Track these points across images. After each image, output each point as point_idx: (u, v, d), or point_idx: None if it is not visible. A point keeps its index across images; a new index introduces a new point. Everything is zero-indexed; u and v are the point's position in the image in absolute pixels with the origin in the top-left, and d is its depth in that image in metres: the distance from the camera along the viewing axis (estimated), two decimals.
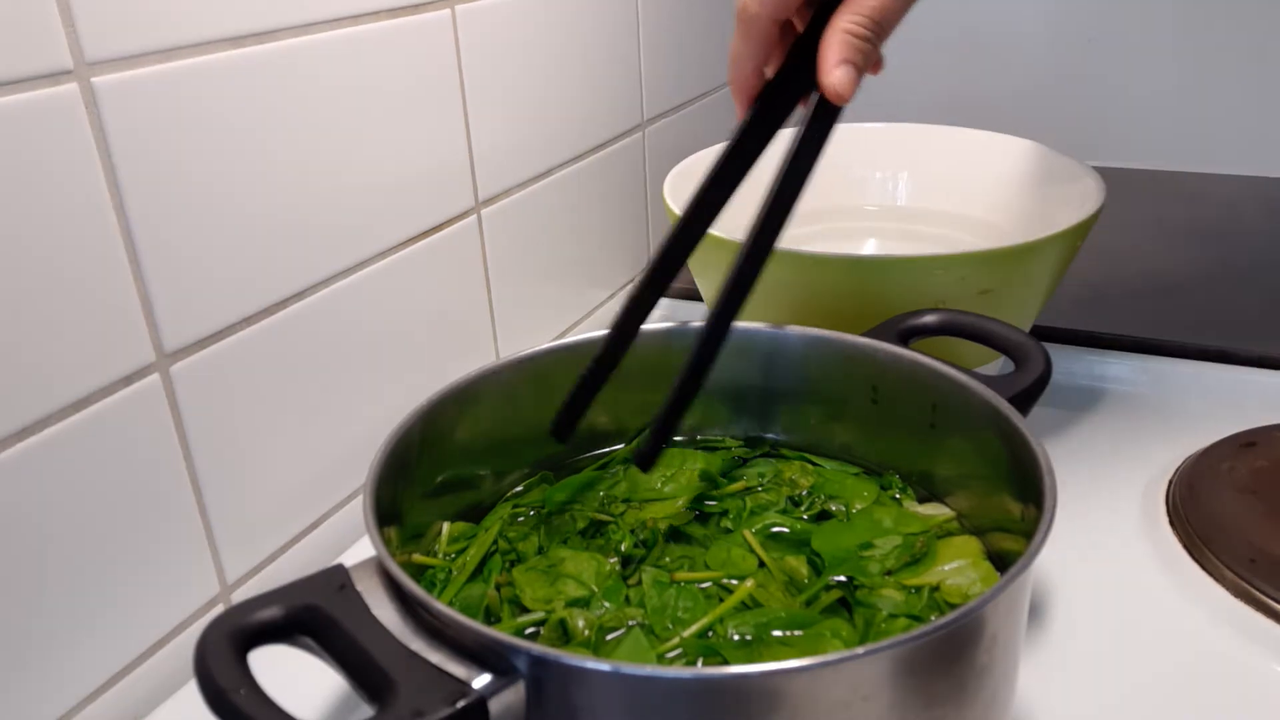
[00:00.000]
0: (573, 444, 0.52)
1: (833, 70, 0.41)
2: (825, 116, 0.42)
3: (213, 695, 0.31)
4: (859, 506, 0.48)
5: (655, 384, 0.52)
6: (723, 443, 0.54)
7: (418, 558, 0.45)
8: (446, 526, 0.47)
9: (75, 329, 0.43)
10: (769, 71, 0.44)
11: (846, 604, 0.42)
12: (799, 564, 0.44)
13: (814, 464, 0.52)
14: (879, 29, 0.42)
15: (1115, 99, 1.14)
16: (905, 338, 0.50)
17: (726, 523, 0.47)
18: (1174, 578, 0.52)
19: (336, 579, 0.35)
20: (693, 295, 0.85)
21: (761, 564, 0.44)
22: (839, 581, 0.43)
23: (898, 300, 0.55)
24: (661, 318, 0.86)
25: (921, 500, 0.49)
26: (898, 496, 0.49)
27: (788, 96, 0.43)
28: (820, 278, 0.59)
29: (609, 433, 0.53)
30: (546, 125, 0.72)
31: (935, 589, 0.43)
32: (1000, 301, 0.59)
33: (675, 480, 0.50)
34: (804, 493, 0.49)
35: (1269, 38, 1.07)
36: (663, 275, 0.45)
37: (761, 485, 0.50)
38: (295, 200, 0.52)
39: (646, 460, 0.45)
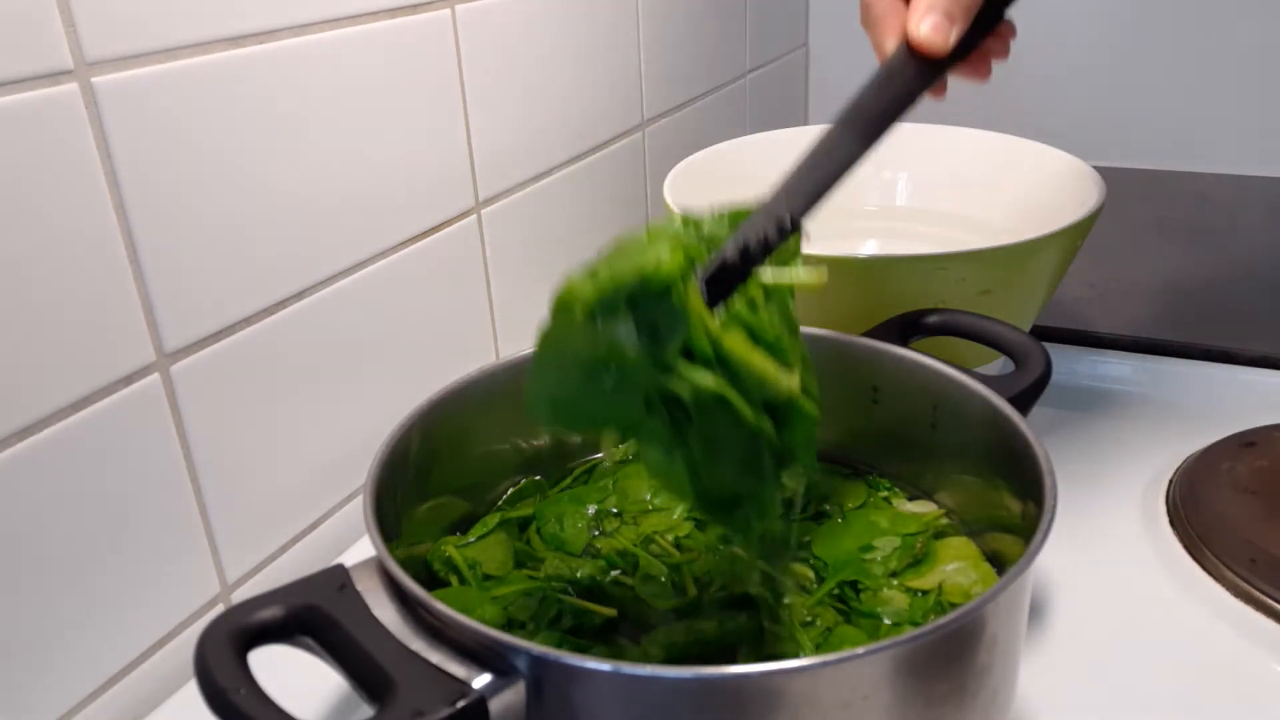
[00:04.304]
0: (570, 448, 0.52)
1: (919, 21, 0.41)
2: (921, 71, 0.42)
3: (213, 695, 0.31)
4: (851, 506, 0.48)
5: None
6: None
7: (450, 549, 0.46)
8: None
9: (75, 329, 0.43)
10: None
11: (847, 606, 0.43)
12: (803, 570, 0.44)
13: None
14: None
15: (1115, 99, 1.14)
16: (905, 338, 0.50)
17: (722, 530, 0.47)
18: (1174, 578, 0.52)
19: (336, 579, 0.36)
20: None
21: (766, 574, 0.44)
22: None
23: (898, 300, 0.55)
24: None
25: (911, 499, 0.49)
26: (886, 495, 0.49)
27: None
28: None
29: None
30: (546, 125, 0.72)
31: (939, 591, 0.43)
32: (1000, 301, 0.59)
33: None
34: (797, 494, 0.49)
35: (1269, 37, 1.07)
36: None
37: None
38: (295, 200, 0.52)
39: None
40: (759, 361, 0.35)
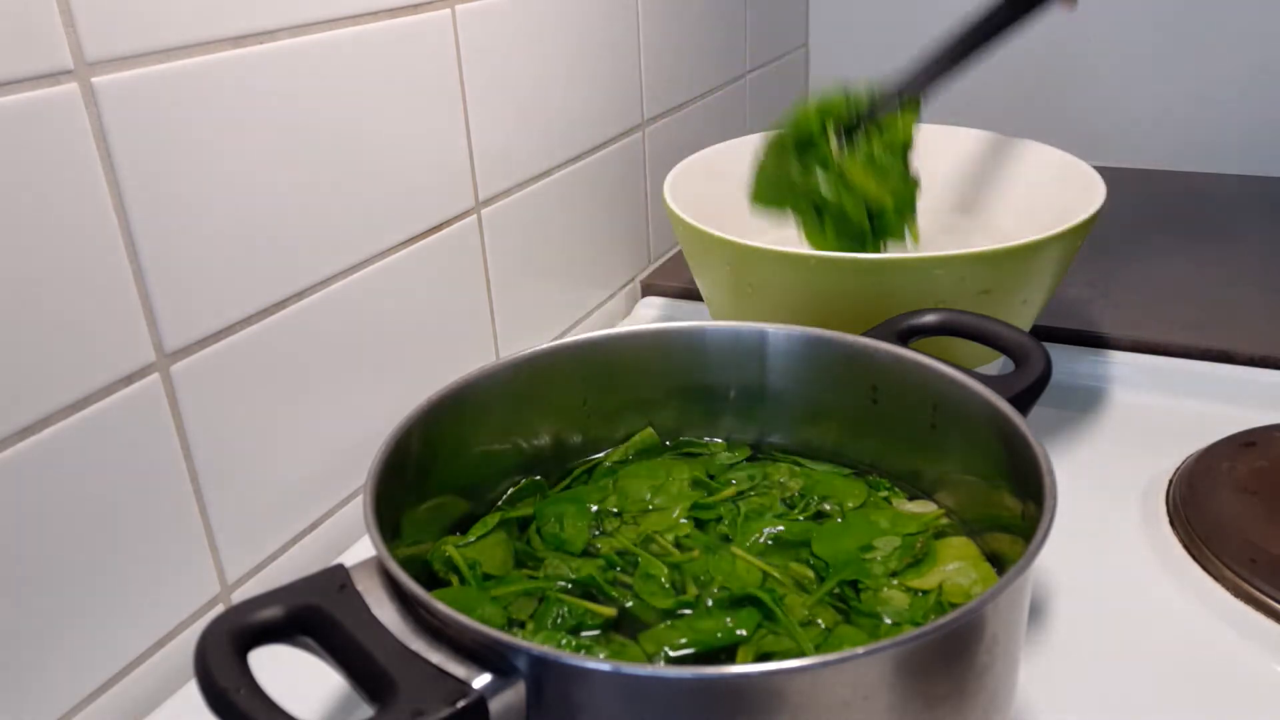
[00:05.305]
0: (569, 449, 0.52)
1: None
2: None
3: (213, 695, 0.31)
4: (851, 506, 0.48)
5: (651, 385, 0.53)
6: (704, 447, 0.54)
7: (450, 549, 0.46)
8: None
9: (75, 329, 0.43)
10: None
11: (847, 606, 0.43)
12: (803, 570, 0.44)
13: (800, 465, 0.52)
14: None
15: (1115, 99, 1.14)
16: (905, 338, 0.50)
17: (723, 529, 0.47)
18: (1174, 578, 0.52)
19: (336, 579, 0.36)
20: (693, 295, 0.85)
21: (766, 575, 0.44)
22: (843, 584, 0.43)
23: (898, 300, 0.55)
24: (660, 317, 0.86)
25: (911, 499, 0.49)
26: (886, 495, 0.49)
27: None
28: (821, 278, 0.59)
29: (600, 437, 0.53)
30: (546, 125, 0.72)
31: (939, 591, 0.43)
32: (1000, 301, 0.59)
33: (665, 491, 0.49)
34: (797, 494, 0.49)
35: (1269, 37, 1.07)
36: None
37: (753, 489, 0.50)
38: (295, 200, 0.52)
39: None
40: (861, 178, 0.63)
